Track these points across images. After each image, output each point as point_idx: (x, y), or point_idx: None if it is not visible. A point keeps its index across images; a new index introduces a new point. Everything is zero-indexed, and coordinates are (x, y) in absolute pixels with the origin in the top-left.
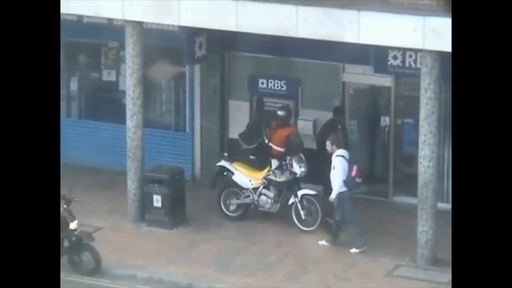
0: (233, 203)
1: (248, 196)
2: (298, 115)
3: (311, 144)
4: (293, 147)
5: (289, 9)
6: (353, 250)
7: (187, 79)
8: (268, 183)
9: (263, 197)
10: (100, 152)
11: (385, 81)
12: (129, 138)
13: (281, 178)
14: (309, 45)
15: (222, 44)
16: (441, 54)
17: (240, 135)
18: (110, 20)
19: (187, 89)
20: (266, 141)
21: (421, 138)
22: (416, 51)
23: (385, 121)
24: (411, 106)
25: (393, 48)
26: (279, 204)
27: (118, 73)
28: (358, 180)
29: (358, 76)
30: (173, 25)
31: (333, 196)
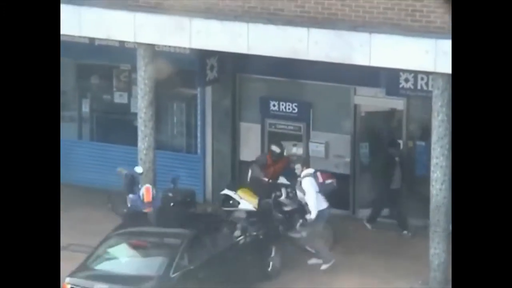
0: None
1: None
2: (310, 137)
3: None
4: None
5: (300, 31)
6: (323, 267)
7: (199, 101)
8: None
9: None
10: (111, 174)
11: (397, 103)
12: (141, 160)
13: (289, 207)
14: (321, 67)
15: (233, 66)
16: None
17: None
18: (122, 42)
19: (198, 111)
20: (266, 180)
21: (433, 161)
22: (427, 73)
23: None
24: (423, 129)
25: (404, 71)
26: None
27: (129, 95)
28: (328, 182)
29: (370, 98)
30: (185, 48)
31: (312, 216)
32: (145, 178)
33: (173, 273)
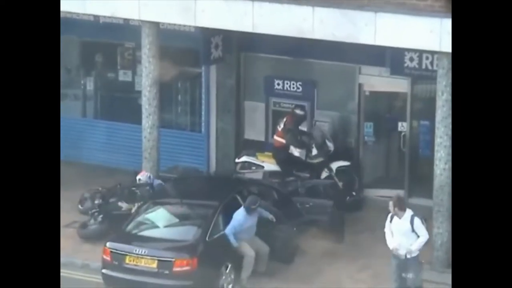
0: None
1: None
2: (314, 116)
3: None
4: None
5: (306, 10)
6: None
7: (203, 79)
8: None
9: None
10: (115, 152)
11: (402, 83)
12: (145, 138)
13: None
14: (326, 46)
15: (238, 45)
16: None
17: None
18: (126, 20)
19: (203, 90)
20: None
21: (437, 140)
22: (432, 53)
23: (402, 126)
24: (428, 108)
25: (409, 50)
26: None
27: (134, 74)
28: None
29: (375, 78)
30: (190, 26)
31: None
32: (149, 156)
33: (209, 238)
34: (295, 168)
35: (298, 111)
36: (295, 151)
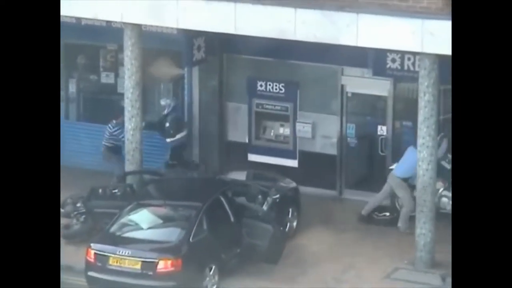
0: None
1: None
2: (297, 117)
3: None
4: None
5: (288, 11)
6: None
7: (186, 81)
8: None
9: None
10: (98, 155)
11: (384, 84)
12: (128, 141)
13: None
14: (308, 47)
15: (220, 47)
16: (439, 57)
17: None
18: (109, 22)
19: (185, 92)
20: None
21: (420, 141)
22: (414, 54)
23: (381, 129)
24: (410, 109)
25: (391, 51)
26: None
27: (116, 76)
28: None
29: (357, 79)
30: (172, 28)
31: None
32: (131, 158)
33: (193, 238)
34: None
35: None
36: None
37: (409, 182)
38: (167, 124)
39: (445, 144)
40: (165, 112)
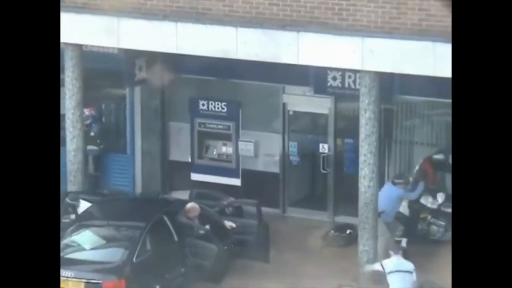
0: None
1: None
2: (239, 136)
3: None
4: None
5: (229, 30)
6: None
7: (128, 101)
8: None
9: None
10: None
11: (325, 101)
12: (70, 162)
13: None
14: (250, 66)
15: (162, 66)
16: (379, 74)
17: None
18: None
19: (127, 111)
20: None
21: (361, 158)
22: (355, 72)
23: (323, 147)
24: (351, 127)
25: (332, 69)
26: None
27: None
28: None
29: (298, 97)
30: (113, 48)
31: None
32: (74, 179)
33: (136, 259)
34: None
35: (437, 157)
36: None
37: (382, 218)
38: (92, 134)
39: (421, 186)
40: (88, 121)
